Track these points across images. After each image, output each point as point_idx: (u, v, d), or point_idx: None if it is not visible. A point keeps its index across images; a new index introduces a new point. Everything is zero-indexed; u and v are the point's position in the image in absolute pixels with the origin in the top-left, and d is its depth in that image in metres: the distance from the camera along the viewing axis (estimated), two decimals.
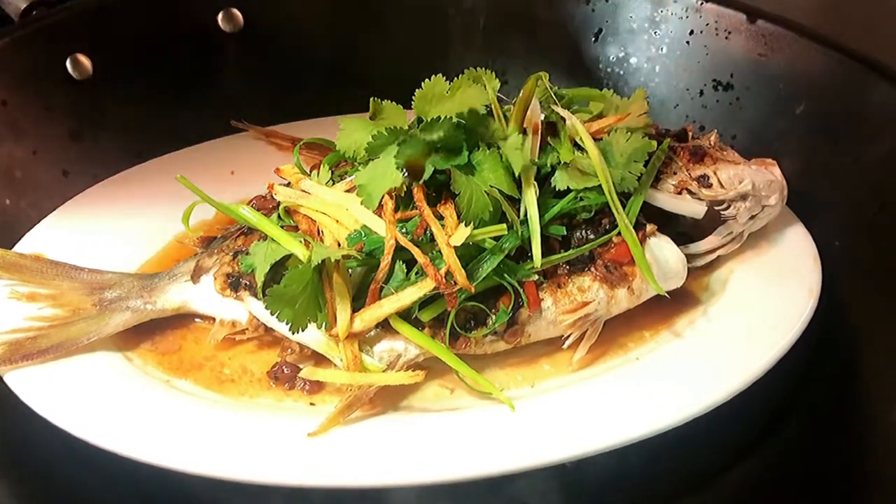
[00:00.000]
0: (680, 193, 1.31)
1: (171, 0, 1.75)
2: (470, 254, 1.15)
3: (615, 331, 1.28)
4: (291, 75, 1.80)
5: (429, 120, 1.16)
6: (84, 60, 1.63)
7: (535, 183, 1.19)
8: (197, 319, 1.31)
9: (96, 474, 1.12)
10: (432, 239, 1.14)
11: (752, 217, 1.35)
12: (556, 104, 1.27)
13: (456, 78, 1.22)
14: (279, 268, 1.17)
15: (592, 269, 1.24)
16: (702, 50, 1.73)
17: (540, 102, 1.25)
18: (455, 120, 1.16)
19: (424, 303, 1.15)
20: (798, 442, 1.21)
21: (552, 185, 1.21)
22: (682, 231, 1.35)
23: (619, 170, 1.23)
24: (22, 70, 1.57)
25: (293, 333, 1.14)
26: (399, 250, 1.14)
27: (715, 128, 1.47)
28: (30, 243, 1.38)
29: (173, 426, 1.10)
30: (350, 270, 1.16)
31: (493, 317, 1.18)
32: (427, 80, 1.21)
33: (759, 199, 1.34)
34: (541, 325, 1.22)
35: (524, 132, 1.22)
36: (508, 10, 1.87)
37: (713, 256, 1.36)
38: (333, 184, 1.29)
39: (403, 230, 1.16)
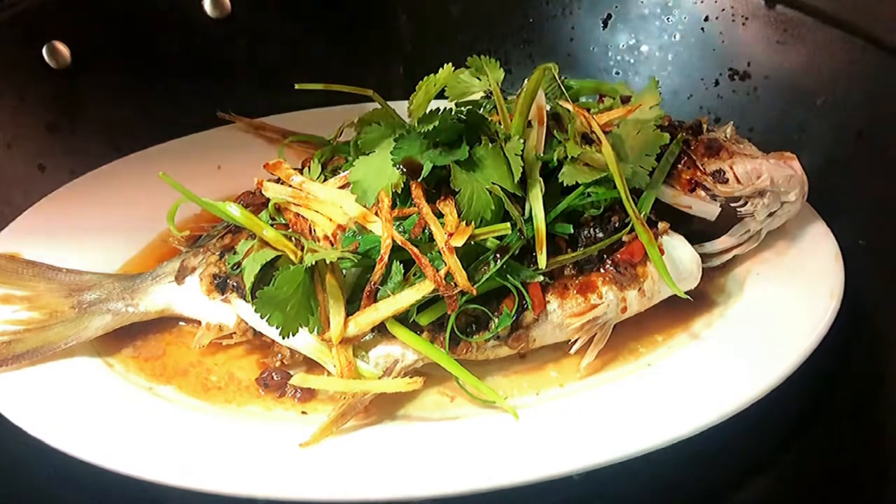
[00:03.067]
0: (694, 190, 1.31)
1: None
2: (471, 254, 1.15)
3: (625, 335, 1.27)
4: (282, 64, 1.80)
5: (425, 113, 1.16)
6: (61, 48, 1.63)
7: (541, 179, 1.19)
8: (181, 323, 1.31)
9: (74, 487, 1.11)
10: (431, 238, 1.14)
11: (771, 214, 1.35)
12: (564, 95, 1.27)
13: (457, 68, 1.23)
14: (269, 268, 1.17)
15: (601, 269, 1.24)
16: (717, 37, 1.73)
17: (546, 94, 1.25)
18: (453, 110, 1.16)
19: (423, 306, 1.15)
20: (820, 453, 1.21)
21: (558, 181, 1.21)
22: (696, 229, 1.34)
23: (629, 164, 1.23)
24: None
25: (284, 338, 1.14)
26: (396, 250, 1.14)
27: (731, 119, 1.47)
28: (4, 242, 1.38)
29: (156, 436, 1.10)
30: (344, 271, 1.16)
31: (496, 320, 1.18)
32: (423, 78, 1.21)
33: (778, 196, 1.34)
34: (546, 329, 1.22)
35: (529, 125, 1.22)
36: None
37: (729, 256, 1.36)
38: (326, 179, 1.29)
39: (401, 229, 1.16)
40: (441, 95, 1.33)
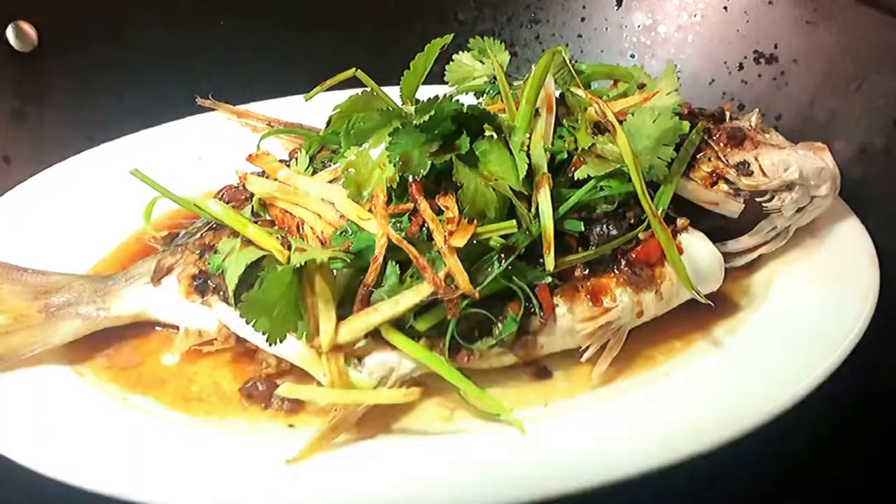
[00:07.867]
0: (715, 183, 1.31)
1: None
2: (473, 254, 1.15)
3: (641, 341, 1.28)
4: (269, 46, 1.80)
5: (423, 103, 1.16)
6: (28, 29, 1.63)
7: (549, 173, 1.19)
8: (158, 328, 1.32)
9: None
10: (430, 237, 1.14)
11: (800, 210, 1.35)
12: (575, 80, 1.27)
13: (457, 52, 1.23)
14: (253, 269, 1.18)
15: (615, 270, 1.24)
16: (741, 17, 1.73)
17: (555, 79, 1.25)
18: (452, 97, 1.16)
19: (421, 310, 1.15)
20: (851, 470, 1.21)
21: (568, 175, 1.21)
22: (717, 226, 1.35)
23: (646, 155, 1.23)
24: None
25: (270, 345, 1.14)
26: (392, 250, 1.14)
27: (756, 107, 1.47)
28: None
29: (131, 451, 1.10)
30: (335, 273, 1.16)
31: (500, 326, 1.18)
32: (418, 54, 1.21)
33: (808, 189, 1.34)
34: (555, 335, 1.22)
35: (536, 113, 1.22)
36: None
37: (754, 255, 1.36)
38: (315, 173, 1.29)
39: (397, 226, 1.16)
40: (442, 81, 1.33)
